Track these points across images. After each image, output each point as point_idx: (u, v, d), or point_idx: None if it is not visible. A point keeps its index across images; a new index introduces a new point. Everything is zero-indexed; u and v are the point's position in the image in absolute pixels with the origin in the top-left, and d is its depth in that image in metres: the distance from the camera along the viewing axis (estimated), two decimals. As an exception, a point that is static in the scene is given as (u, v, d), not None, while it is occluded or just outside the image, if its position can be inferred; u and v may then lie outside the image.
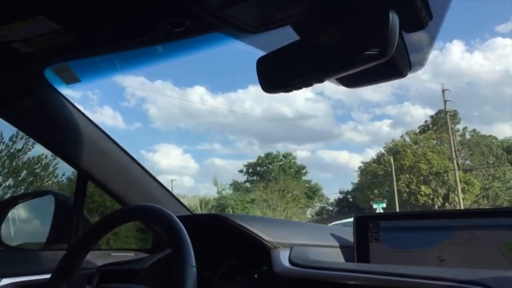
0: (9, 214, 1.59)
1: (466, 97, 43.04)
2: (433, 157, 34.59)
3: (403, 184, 35.18)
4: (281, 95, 0.88)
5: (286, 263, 1.18)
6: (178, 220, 0.91)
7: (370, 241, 1.29)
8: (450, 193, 32.95)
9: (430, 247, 1.19)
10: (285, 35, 0.83)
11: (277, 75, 0.83)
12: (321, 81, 0.79)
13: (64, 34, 1.01)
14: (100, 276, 1.37)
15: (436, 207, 32.58)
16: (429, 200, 33.80)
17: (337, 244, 1.36)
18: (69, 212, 1.50)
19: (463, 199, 31.48)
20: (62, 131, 1.39)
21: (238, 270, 1.33)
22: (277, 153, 40.07)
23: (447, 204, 32.88)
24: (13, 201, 1.77)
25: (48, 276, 1.05)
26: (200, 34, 1.00)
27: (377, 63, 0.70)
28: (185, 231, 0.89)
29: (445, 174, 33.71)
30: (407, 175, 35.58)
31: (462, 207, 26.90)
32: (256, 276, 1.28)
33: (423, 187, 34.49)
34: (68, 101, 1.35)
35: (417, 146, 36.58)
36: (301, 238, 1.33)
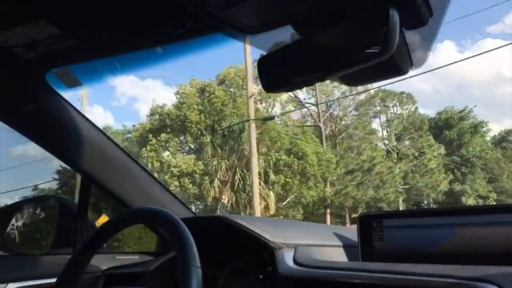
0: (14, 219, 1.59)
1: (458, 98, 42.73)
2: (230, 105, 19.83)
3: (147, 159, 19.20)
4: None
5: (290, 263, 1.18)
6: (182, 222, 0.91)
7: (374, 240, 1.28)
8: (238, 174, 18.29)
9: (434, 245, 1.19)
10: (286, 35, 0.83)
11: (278, 74, 0.83)
12: (322, 80, 0.79)
13: (65, 38, 1.01)
14: (105, 280, 1.38)
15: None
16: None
17: (340, 243, 1.36)
18: (73, 216, 1.50)
19: (286, 189, 19.21)
20: (65, 135, 1.39)
21: (243, 271, 1.33)
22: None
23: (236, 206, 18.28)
24: (18, 206, 1.78)
25: (53, 280, 1.05)
26: (201, 35, 1.00)
27: (378, 61, 0.70)
28: (189, 232, 0.89)
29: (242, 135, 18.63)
30: (153, 140, 20.04)
31: (257, 211, 14.61)
32: (261, 276, 1.28)
33: (176, 160, 18.70)
34: (70, 105, 1.36)
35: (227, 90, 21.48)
36: (305, 238, 1.33)
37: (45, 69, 1.22)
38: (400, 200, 24.77)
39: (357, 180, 22.08)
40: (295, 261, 1.18)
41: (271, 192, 19.06)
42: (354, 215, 24.64)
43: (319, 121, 24.71)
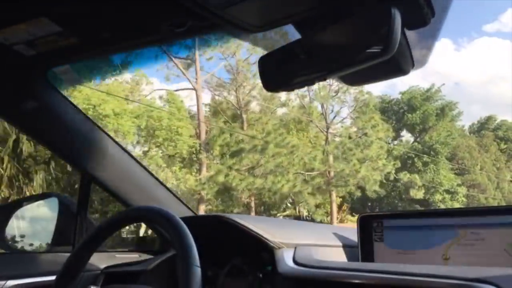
0: (13, 217, 1.59)
1: (455, 96, 42.50)
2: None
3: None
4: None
5: (290, 263, 1.18)
6: (181, 221, 0.91)
7: (374, 240, 1.28)
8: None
9: (434, 245, 1.19)
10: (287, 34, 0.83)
11: (279, 73, 0.83)
12: (323, 79, 0.78)
13: (66, 36, 1.01)
14: (105, 278, 1.38)
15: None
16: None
17: (340, 243, 1.36)
18: (73, 214, 1.50)
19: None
20: (65, 133, 1.39)
21: (242, 270, 1.33)
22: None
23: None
24: (17, 204, 1.78)
25: (53, 278, 1.05)
26: (202, 34, 1.00)
27: (380, 61, 0.70)
28: (189, 232, 0.89)
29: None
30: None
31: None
32: (260, 276, 1.28)
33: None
34: (71, 102, 1.36)
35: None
36: (304, 238, 1.33)
37: (46, 66, 1.22)
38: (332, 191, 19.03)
39: (246, 164, 16.18)
40: (294, 261, 1.18)
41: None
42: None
43: (196, 81, 18.09)
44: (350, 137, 19.80)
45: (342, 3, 0.78)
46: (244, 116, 18.58)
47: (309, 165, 17.51)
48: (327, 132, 20.40)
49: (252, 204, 18.38)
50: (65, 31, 0.99)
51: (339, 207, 21.59)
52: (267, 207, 20.10)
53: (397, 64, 0.78)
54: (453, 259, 1.15)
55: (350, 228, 1.50)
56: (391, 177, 21.38)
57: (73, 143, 1.40)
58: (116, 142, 1.51)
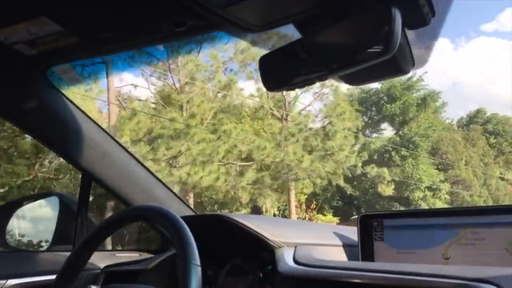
0: (14, 216, 1.59)
1: (452, 96, 42.38)
2: None
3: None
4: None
5: (290, 262, 1.18)
6: (182, 220, 0.91)
7: (374, 239, 1.28)
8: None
9: (434, 245, 1.19)
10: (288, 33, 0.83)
11: (279, 73, 0.83)
12: (324, 79, 0.79)
13: (67, 35, 1.01)
14: (105, 277, 1.38)
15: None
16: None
17: (340, 243, 1.36)
18: (74, 213, 1.50)
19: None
20: (66, 132, 1.39)
21: (243, 269, 1.33)
22: None
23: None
24: (18, 203, 1.78)
25: (53, 277, 1.05)
26: (203, 33, 1.00)
27: (380, 61, 0.70)
28: (189, 231, 0.89)
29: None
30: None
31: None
32: (260, 275, 1.28)
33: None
34: (71, 102, 1.36)
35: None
36: (305, 237, 1.33)
37: (46, 66, 1.22)
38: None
39: (165, 153, 13.69)
40: (295, 260, 1.18)
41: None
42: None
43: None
44: (323, 129, 17.74)
45: (342, 3, 0.78)
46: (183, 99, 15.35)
47: (249, 155, 15.15)
48: (281, 117, 17.78)
49: (191, 201, 15.04)
50: (65, 30, 0.99)
51: (307, 205, 19.31)
52: (220, 206, 17.47)
53: (397, 64, 0.78)
54: (454, 259, 1.15)
55: (350, 227, 1.50)
56: (358, 171, 19.58)
57: (73, 142, 1.40)
58: (116, 141, 1.51)
